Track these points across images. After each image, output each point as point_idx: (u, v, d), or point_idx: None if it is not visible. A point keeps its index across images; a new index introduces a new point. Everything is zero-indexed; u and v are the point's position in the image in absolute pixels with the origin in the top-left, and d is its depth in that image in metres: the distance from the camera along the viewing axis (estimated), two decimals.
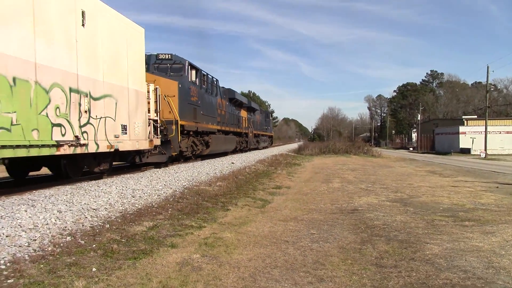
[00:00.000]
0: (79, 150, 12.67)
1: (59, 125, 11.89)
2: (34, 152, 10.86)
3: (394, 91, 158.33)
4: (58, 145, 11.76)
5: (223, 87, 33.72)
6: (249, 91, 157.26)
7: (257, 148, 49.57)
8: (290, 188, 17.08)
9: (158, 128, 18.90)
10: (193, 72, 24.05)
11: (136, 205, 11.02)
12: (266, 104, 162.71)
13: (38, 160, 14.14)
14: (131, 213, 10.11)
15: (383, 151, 62.79)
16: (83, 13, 13.25)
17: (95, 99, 13.81)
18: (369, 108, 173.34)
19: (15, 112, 10.32)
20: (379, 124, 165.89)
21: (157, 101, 19.13)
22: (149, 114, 17.98)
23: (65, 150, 12.06)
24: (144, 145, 17.20)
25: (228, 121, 33.03)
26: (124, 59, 15.91)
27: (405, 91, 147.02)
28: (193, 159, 25.55)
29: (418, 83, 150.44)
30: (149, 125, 17.85)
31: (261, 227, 9.96)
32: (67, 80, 12.37)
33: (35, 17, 11.15)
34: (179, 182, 15.31)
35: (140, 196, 12.03)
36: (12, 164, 14.53)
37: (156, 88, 19.33)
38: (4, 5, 10.23)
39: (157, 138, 18.70)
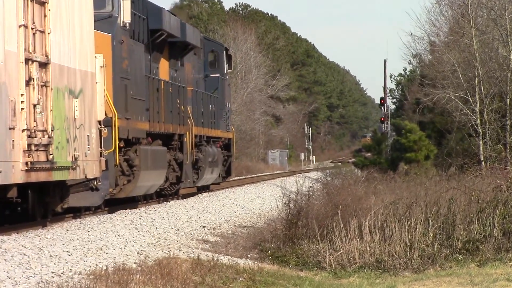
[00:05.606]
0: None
1: None
2: None
3: None
4: None
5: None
6: None
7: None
8: None
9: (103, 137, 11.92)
10: (127, 3, 13.89)
11: None
12: None
13: None
14: None
15: None
16: None
17: (76, 98, 9.12)
18: None
19: None
20: None
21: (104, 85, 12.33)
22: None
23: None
24: (97, 169, 11.00)
25: (151, 101, 16.53)
26: (80, 19, 10.56)
27: None
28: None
29: None
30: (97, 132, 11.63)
31: None
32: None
33: None
34: None
35: None
36: None
37: (104, 61, 12.32)
38: None
39: (105, 156, 11.77)
